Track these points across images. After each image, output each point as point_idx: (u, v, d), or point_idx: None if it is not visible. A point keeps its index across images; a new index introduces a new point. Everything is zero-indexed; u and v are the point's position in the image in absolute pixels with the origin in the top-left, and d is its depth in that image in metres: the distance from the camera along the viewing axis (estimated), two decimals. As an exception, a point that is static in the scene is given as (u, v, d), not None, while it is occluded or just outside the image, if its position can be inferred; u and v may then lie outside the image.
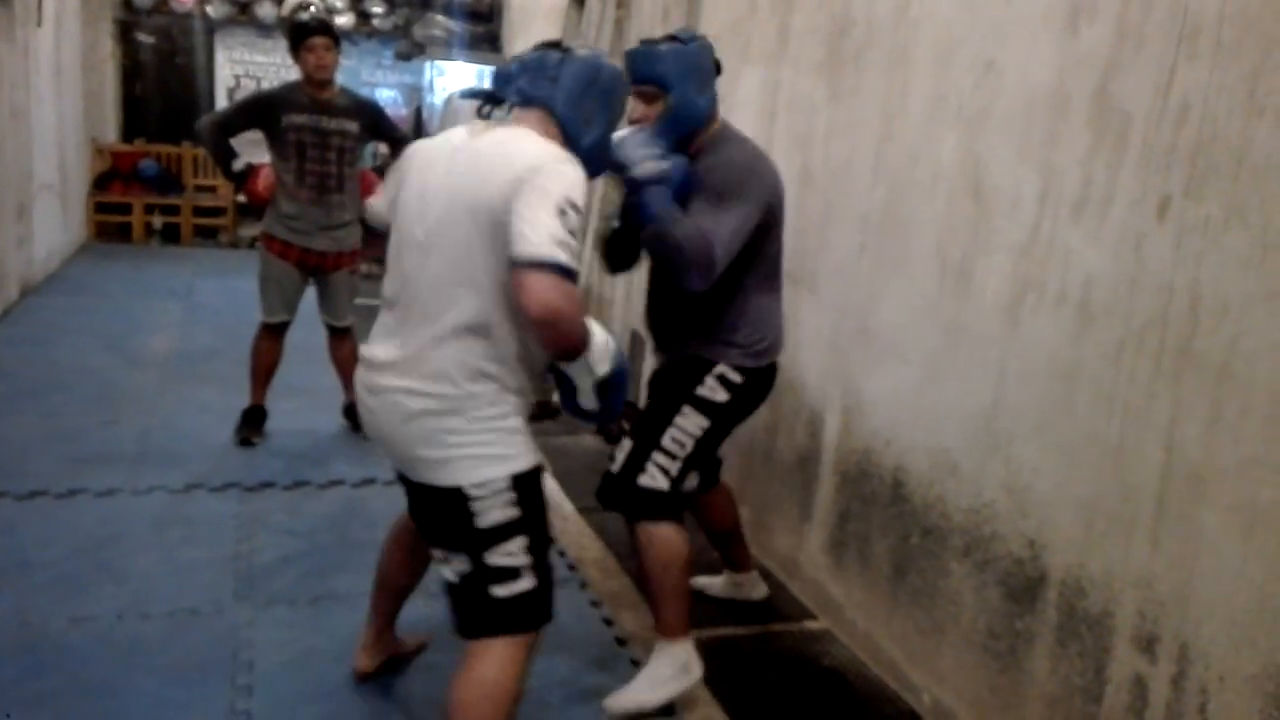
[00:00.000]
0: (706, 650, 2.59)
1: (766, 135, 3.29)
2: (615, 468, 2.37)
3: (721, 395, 2.35)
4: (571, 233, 1.59)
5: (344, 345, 3.94)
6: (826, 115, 2.96)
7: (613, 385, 1.78)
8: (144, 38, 9.01)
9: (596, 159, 1.86)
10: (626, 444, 2.37)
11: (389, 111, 4.27)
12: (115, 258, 7.70)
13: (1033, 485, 2.10)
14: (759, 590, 2.93)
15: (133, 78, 9.22)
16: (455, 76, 8.21)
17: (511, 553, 1.72)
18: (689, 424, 2.33)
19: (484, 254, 1.66)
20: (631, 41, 4.64)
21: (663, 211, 2.16)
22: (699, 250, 2.14)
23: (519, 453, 1.75)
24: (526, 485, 1.75)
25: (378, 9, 8.87)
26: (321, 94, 3.71)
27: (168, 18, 8.93)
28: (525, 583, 1.73)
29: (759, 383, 2.42)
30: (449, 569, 1.75)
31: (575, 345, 1.66)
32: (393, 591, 2.23)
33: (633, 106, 2.27)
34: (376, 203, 2.04)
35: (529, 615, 1.76)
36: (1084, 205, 1.99)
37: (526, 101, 1.79)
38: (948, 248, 2.39)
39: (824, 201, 2.94)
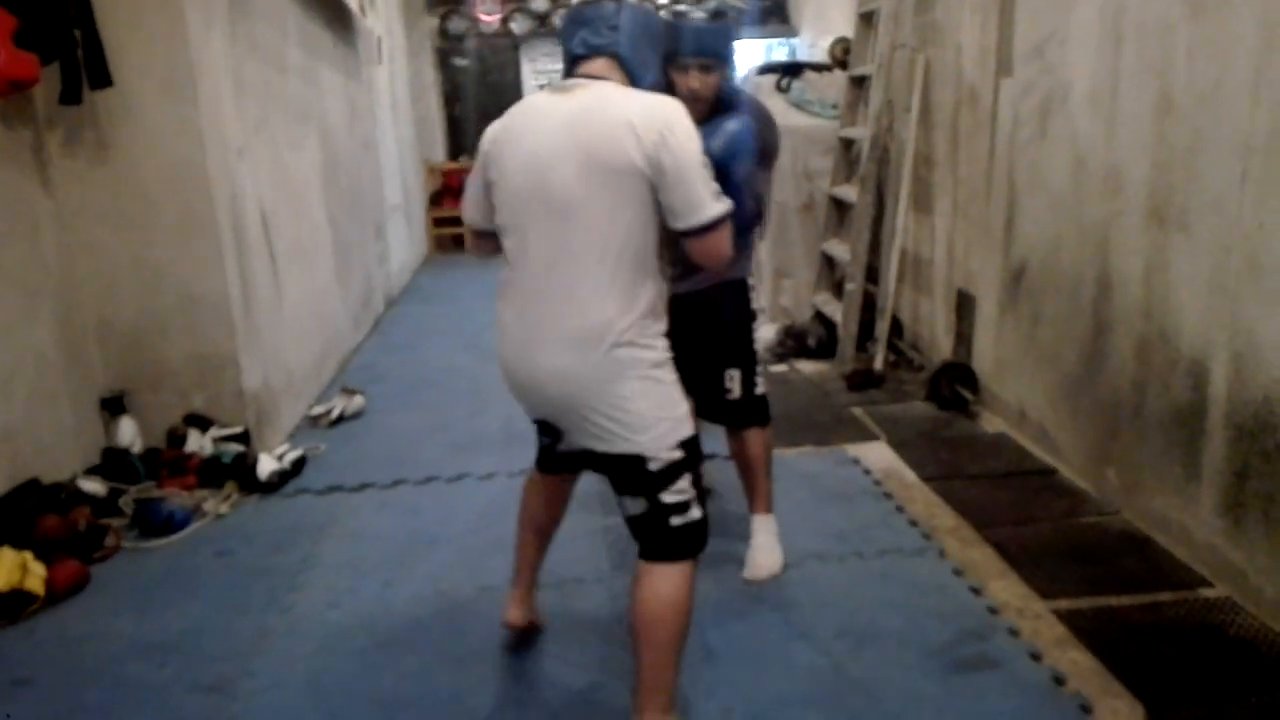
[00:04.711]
0: (1091, 621, 2.47)
1: (1111, 65, 3.02)
2: (737, 395, 2.74)
3: (756, 303, 2.80)
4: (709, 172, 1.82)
5: None
6: (1187, 34, 2.67)
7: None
8: (459, 61, 9.88)
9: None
10: (735, 373, 2.74)
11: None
12: (455, 266, 8.53)
13: None
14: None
15: (452, 100, 10.15)
16: (747, 53, 8.28)
17: (683, 490, 1.91)
18: (758, 335, 2.79)
19: (625, 215, 1.80)
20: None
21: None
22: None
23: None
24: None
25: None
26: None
27: (478, 40, 9.73)
28: (695, 513, 1.94)
29: None
30: (630, 505, 1.95)
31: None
32: (540, 536, 2.45)
33: (691, 77, 2.45)
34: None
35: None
36: None
37: (594, 51, 1.90)
38: (1365, 163, 2.08)
39: (1190, 130, 2.66)
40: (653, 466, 1.88)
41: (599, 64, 1.90)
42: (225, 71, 3.71)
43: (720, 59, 2.53)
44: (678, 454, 1.90)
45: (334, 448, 4.03)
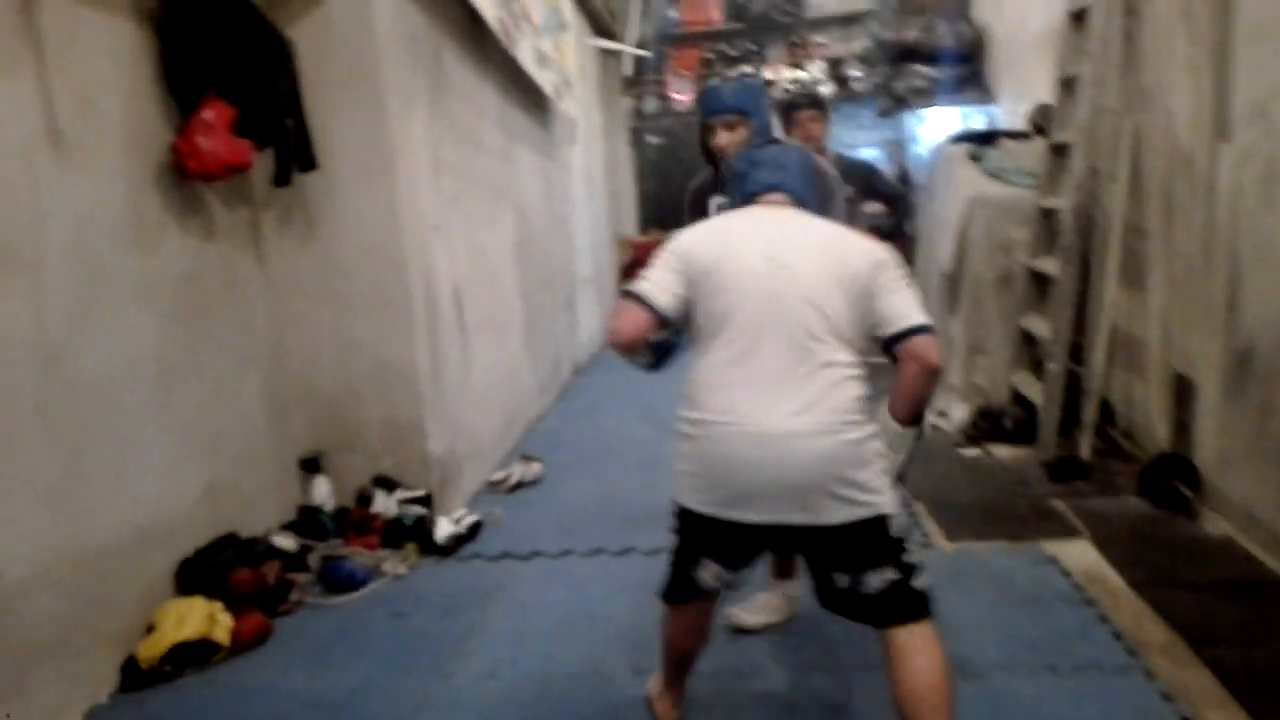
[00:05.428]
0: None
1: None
2: None
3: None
4: None
5: None
6: None
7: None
8: (652, 139, 10.16)
9: None
10: None
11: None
12: (640, 336, 8.64)
13: None
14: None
15: (644, 175, 10.42)
16: (935, 124, 8.03)
17: (914, 551, 2.02)
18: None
19: (853, 315, 1.99)
20: (1144, 53, 4.15)
21: None
22: None
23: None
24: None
25: (856, 73, 9.05)
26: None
27: (671, 118, 9.97)
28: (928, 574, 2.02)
29: None
30: (872, 580, 1.96)
31: (931, 397, 2.04)
32: (689, 661, 2.34)
33: (719, 136, 2.66)
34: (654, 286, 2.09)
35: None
36: None
37: (770, 189, 2.18)
38: None
39: None
40: (893, 527, 1.97)
41: (776, 196, 2.18)
42: (423, 152, 3.94)
43: (743, 114, 2.63)
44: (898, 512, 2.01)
45: (509, 513, 4.11)
